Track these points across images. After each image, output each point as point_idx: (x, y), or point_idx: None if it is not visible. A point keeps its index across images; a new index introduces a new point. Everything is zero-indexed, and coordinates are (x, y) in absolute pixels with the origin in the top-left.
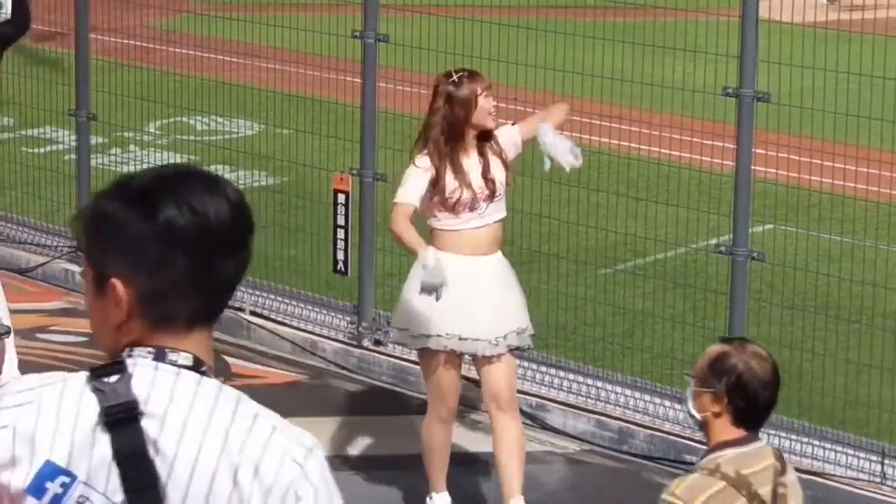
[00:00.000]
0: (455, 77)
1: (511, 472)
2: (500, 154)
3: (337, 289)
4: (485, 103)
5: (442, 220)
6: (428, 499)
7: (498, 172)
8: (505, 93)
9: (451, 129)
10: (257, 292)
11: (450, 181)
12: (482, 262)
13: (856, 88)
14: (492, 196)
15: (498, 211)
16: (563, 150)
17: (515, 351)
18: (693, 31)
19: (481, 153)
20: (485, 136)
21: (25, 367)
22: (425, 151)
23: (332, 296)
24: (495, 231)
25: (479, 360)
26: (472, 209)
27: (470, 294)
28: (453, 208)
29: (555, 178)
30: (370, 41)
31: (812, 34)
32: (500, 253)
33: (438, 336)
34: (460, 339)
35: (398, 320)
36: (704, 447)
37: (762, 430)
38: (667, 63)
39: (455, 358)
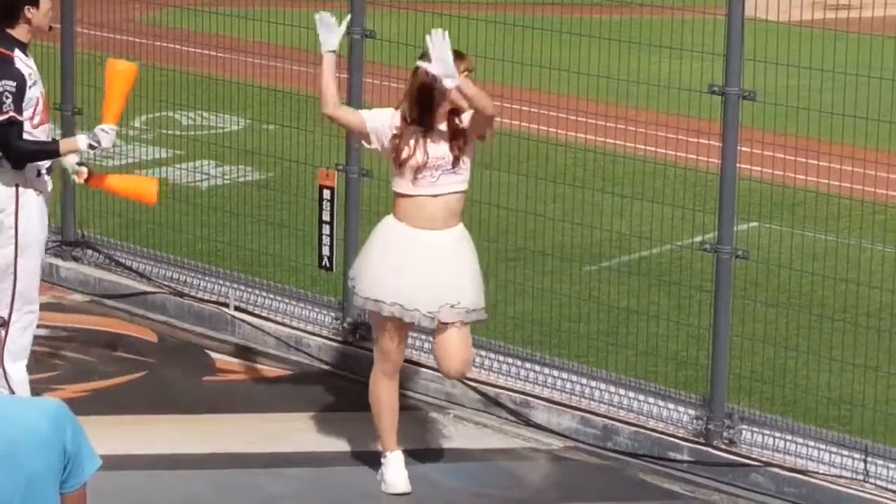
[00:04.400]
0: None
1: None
2: (464, 131)
3: (322, 284)
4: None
5: (399, 184)
6: (382, 459)
7: (458, 147)
8: (490, 90)
9: (425, 98)
10: (242, 287)
11: (410, 144)
12: (435, 238)
13: (841, 87)
14: (449, 166)
15: (455, 184)
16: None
17: (468, 324)
18: (679, 29)
19: (450, 125)
20: (455, 112)
21: None
22: (399, 109)
23: (317, 291)
24: (450, 203)
25: (436, 330)
26: (418, 173)
27: (416, 267)
28: (412, 172)
29: (540, 174)
30: (357, 37)
31: (798, 33)
32: (458, 227)
33: (380, 301)
34: (401, 307)
35: (353, 273)
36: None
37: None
38: (653, 61)
39: (398, 321)
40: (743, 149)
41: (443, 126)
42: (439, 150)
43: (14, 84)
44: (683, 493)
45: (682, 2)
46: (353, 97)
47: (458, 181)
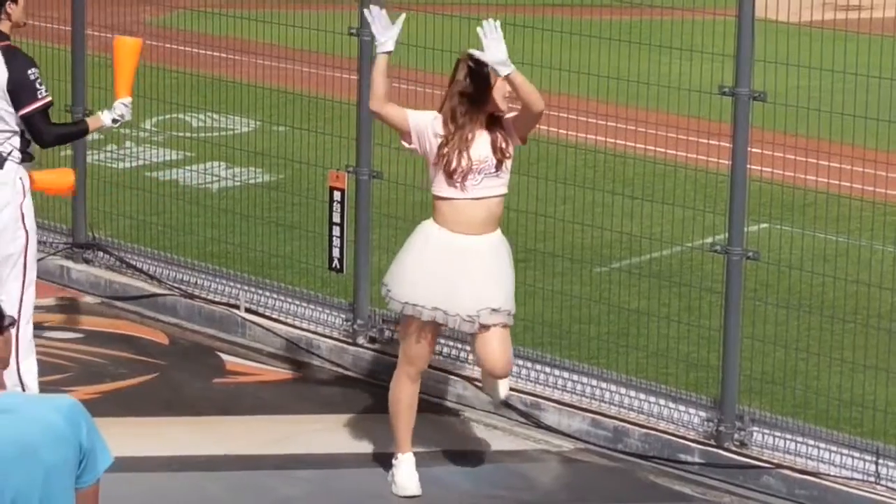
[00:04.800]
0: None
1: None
2: (504, 136)
3: (332, 286)
4: (501, 86)
5: (440, 188)
6: (394, 460)
7: (500, 150)
8: None
9: (468, 102)
10: (252, 289)
11: (453, 147)
12: (474, 242)
13: (851, 88)
14: (492, 170)
15: (496, 187)
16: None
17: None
18: (689, 30)
19: (490, 129)
20: (493, 117)
21: None
22: (440, 114)
23: (327, 293)
24: (491, 206)
25: (476, 334)
26: (465, 178)
27: (455, 272)
28: (451, 174)
29: (550, 176)
30: (366, 38)
31: (808, 34)
32: (496, 233)
33: (419, 306)
34: (444, 313)
35: (387, 279)
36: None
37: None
38: (663, 62)
39: (432, 326)
40: (753, 150)
41: (485, 129)
42: (482, 152)
43: (37, 69)
44: (694, 496)
45: (692, 3)
46: (363, 98)
47: (500, 184)
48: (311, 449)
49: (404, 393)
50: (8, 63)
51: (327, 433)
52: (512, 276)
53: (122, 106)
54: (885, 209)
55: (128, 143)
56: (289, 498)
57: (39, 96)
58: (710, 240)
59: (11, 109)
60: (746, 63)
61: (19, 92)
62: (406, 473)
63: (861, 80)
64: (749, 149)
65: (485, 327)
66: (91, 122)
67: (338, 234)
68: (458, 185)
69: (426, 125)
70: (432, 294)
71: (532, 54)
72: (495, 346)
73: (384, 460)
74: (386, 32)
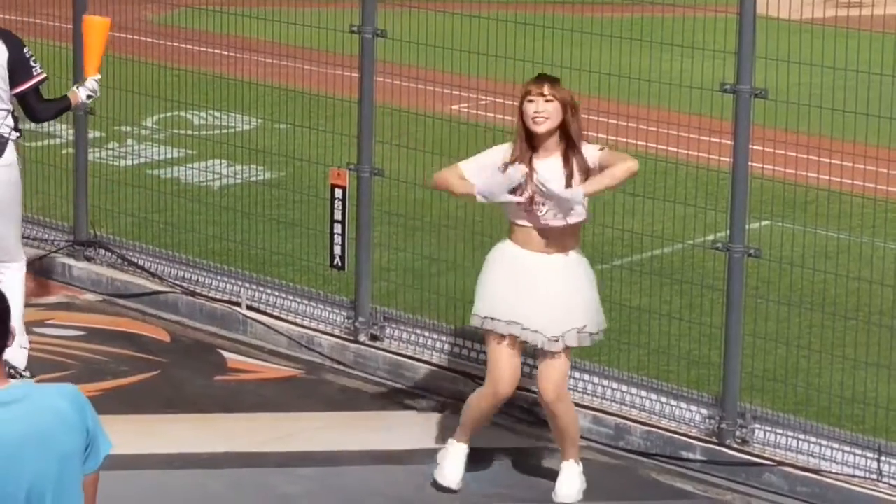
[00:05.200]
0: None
1: (564, 449)
2: (583, 165)
3: (334, 284)
4: (527, 107)
5: (511, 213)
6: (446, 443)
7: (569, 179)
8: (503, 89)
9: (521, 128)
10: (254, 287)
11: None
12: (547, 260)
13: (853, 85)
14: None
15: (562, 217)
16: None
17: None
18: (691, 28)
19: (566, 158)
20: (571, 146)
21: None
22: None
23: (328, 291)
24: (558, 233)
25: (539, 355)
26: (532, 207)
27: (533, 288)
28: (523, 204)
29: None
30: (368, 36)
31: (809, 30)
32: (571, 253)
33: (496, 320)
34: (521, 327)
35: (476, 305)
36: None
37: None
38: (664, 59)
39: (514, 345)
40: (755, 147)
41: (556, 160)
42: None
43: (28, 48)
44: (696, 493)
45: (693, 0)
46: (365, 96)
47: (570, 214)
48: (313, 447)
49: (481, 406)
50: (6, 42)
51: (328, 431)
52: (594, 295)
53: (93, 82)
54: (886, 206)
55: (129, 141)
56: (290, 495)
57: (34, 73)
58: (711, 237)
59: (7, 88)
60: (748, 60)
61: (18, 70)
62: (452, 463)
63: (862, 77)
64: (750, 146)
65: (554, 350)
66: (71, 96)
67: (339, 231)
68: (524, 212)
69: (488, 161)
70: (510, 308)
71: (533, 52)
72: (551, 370)
73: (386, 458)
74: (494, 194)
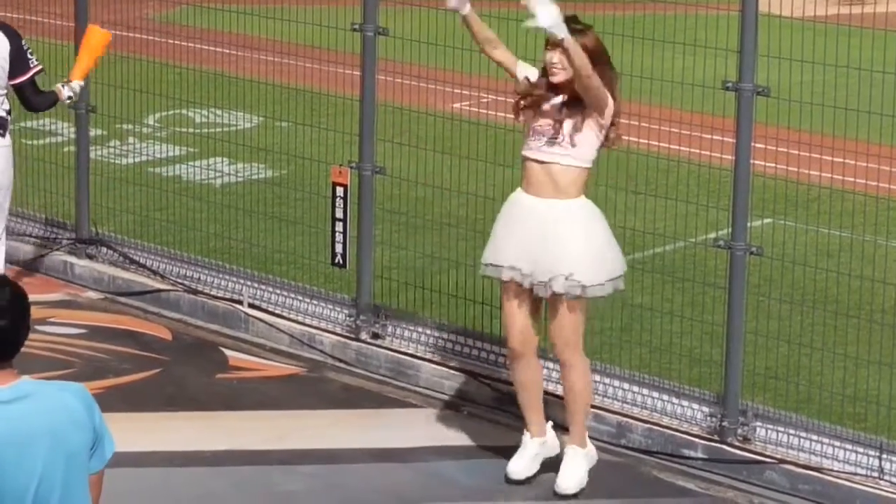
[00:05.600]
0: None
1: (569, 420)
2: (584, 112)
3: (335, 282)
4: (546, 56)
5: (524, 144)
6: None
7: (560, 119)
8: (504, 87)
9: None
10: (255, 285)
11: (531, 101)
12: (543, 204)
13: (855, 83)
14: (552, 135)
15: (558, 155)
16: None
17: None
18: (693, 26)
19: (568, 101)
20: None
21: (25, 358)
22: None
23: (330, 289)
24: (553, 172)
25: (548, 308)
26: (533, 137)
27: (526, 231)
28: (528, 132)
29: None
30: (370, 34)
31: (812, 28)
32: (572, 201)
33: (499, 266)
34: (521, 272)
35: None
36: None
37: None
38: (667, 57)
39: (520, 295)
40: (757, 145)
41: (562, 96)
42: (548, 117)
43: (25, 41)
44: (698, 491)
45: None
46: (366, 94)
47: (562, 154)
48: (315, 444)
49: (515, 375)
50: (7, 34)
51: (330, 428)
52: (596, 246)
53: (77, 85)
54: (888, 204)
55: (131, 139)
56: (292, 493)
57: (31, 65)
58: (713, 235)
59: (5, 77)
60: (750, 58)
61: (16, 61)
62: (515, 458)
63: (865, 75)
64: (753, 144)
65: (557, 295)
66: (57, 91)
67: (340, 229)
68: (528, 140)
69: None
70: (508, 253)
71: (535, 50)
72: (558, 320)
73: (388, 455)
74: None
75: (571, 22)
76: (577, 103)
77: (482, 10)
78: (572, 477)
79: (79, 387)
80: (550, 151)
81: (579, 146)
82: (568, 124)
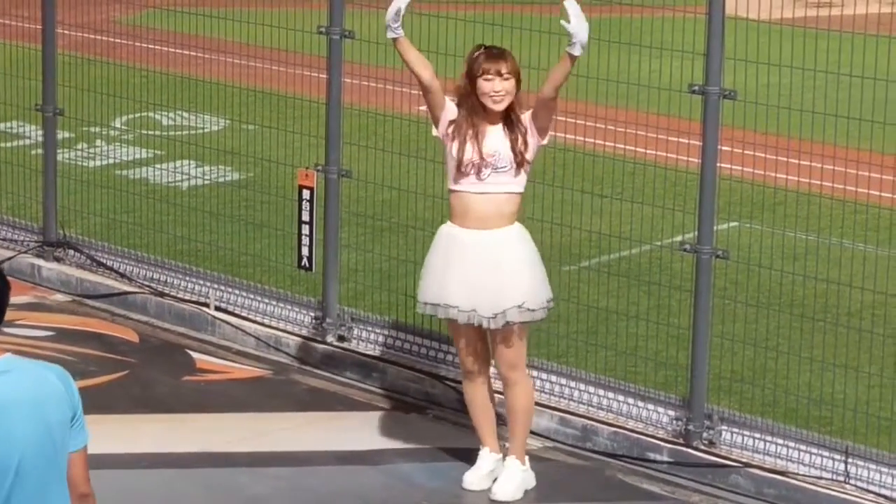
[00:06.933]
0: (480, 51)
1: (510, 435)
2: (524, 133)
3: (301, 284)
4: (485, 86)
5: (452, 181)
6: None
7: (519, 152)
8: None
9: (462, 95)
10: (222, 287)
11: (464, 136)
12: (480, 237)
13: (822, 85)
14: (503, 164)
15: (506, 184)
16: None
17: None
18: (659, 28)
19: (507, 125)
20: (511, 108)
21: None
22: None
23: (296, 291)
24: (499, 202)
25: (490, 333)
26: (476, 173)
27: (463, 267)
28: (459, 167)
29: None
30: (336, 37)
31: (778, 31)
32: (511, 227)
33: (435, 305)
34: (458, 310)
35: (420, 291)
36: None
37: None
38: (633, 60)
39: (464, 325)
40: (723, 148)
41: (499, 122)
42: (493, 145)
43: None
44: (663, 494)
45: (662, 1)
46: (332, 97)
47: (507, 182)
48: (282, 447)
49: (468, 395)
50: None
51: (297, 431)
52: (535, 269)
53: None
54: (855, 207)
55: (98, 142)
56: (259, 496)
57: None
58: (679, 238)
59: None
60: (717, 61)
61: None
62: (473, 469)
63: (832, 77)
64: (719, 147)
65: (508, 324)
66: None
67: (307, 232)
68: (460, 175)
69: (450, 113)
70: (460, 294)
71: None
72: (503, 347)
73: (354, 458)
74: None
75: (502, 58)
76: (513, 129)
77: (458, 13)
78: (510, 482)
79: (61, 369)
80: (497, 182)
81: (523, 171)
82: (511, 151)
